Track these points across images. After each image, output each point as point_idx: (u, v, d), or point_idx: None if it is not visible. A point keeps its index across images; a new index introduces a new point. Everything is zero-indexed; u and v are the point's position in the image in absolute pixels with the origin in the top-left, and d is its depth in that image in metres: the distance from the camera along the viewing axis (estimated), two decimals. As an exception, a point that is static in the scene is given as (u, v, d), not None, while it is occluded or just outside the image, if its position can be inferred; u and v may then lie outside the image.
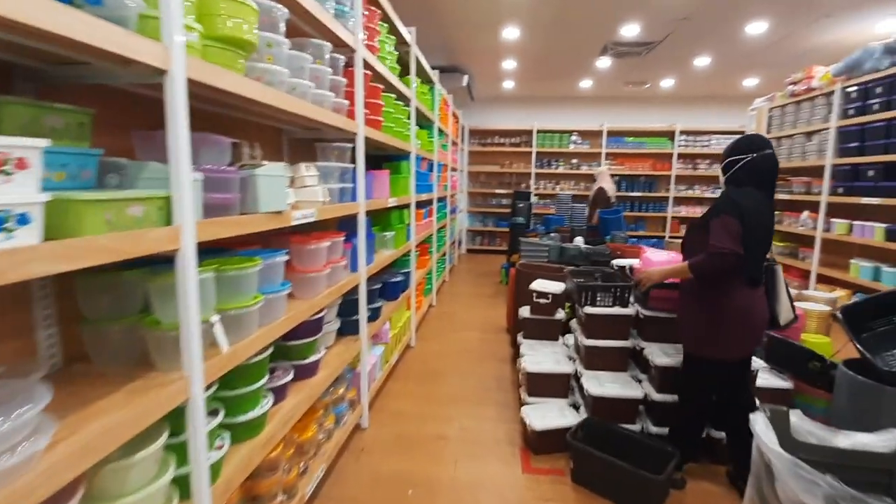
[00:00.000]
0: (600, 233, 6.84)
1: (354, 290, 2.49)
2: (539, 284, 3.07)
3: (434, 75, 4.84)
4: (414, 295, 3.99)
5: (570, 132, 9.10)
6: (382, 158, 3.68)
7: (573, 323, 2.89)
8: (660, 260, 2.42)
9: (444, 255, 6.44)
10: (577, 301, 2.61)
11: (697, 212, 8.88)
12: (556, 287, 3.06)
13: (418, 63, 4.03)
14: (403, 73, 3.70)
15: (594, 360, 2.53)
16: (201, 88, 1.24)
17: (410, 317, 3.93)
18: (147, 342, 1.19)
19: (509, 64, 6.75)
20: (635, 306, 2.53)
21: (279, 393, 1.79)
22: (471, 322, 4.73)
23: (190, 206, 1.09)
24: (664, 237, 8.89)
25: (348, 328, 2.58)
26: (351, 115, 2.35)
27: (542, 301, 3.01)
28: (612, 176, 7.20)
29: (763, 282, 2.03)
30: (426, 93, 4.54)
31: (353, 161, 2.41)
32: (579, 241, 5.47)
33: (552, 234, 5.68)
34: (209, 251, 1.58)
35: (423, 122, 4.78)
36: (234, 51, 1.36)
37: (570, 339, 3.08)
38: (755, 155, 1.97)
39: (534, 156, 9.19)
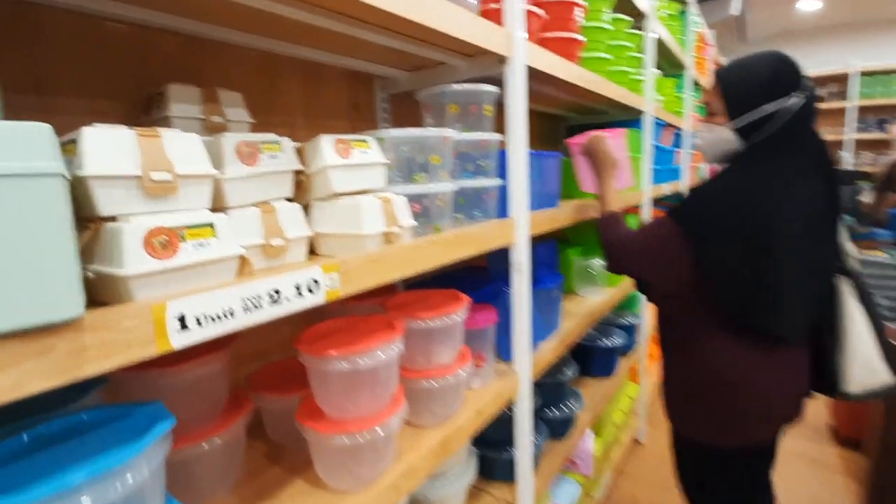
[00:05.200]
0: None
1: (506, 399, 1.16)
2: None
3: (688, -10, 2.99)
4: (645, 354, 2.37)
5: (931, 66, 5.51)
6: (588, 130, 2.18)
7: None
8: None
9: (694, 269, 4.40)
10: None
11: None
12: None
13: (662, -41, 2.34)
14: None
15: None
16: None
17: (638, 394, 2.34)
18: None
19: (822, -38, 4.15)
20: None
21: None
22: (748, 397, 2.78)
23: None
24: None
25: (497, 470, 1.28)
26: (493, 16, 1.00)
27: None
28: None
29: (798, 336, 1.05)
30: (675, 16, 2.77)
31: (501, 127, 1.06)
32: None
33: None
34: None
35: (668, 67, 3.02)
36: None
37: None
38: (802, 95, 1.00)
39: (851, 113, 5.93)
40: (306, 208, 0.76)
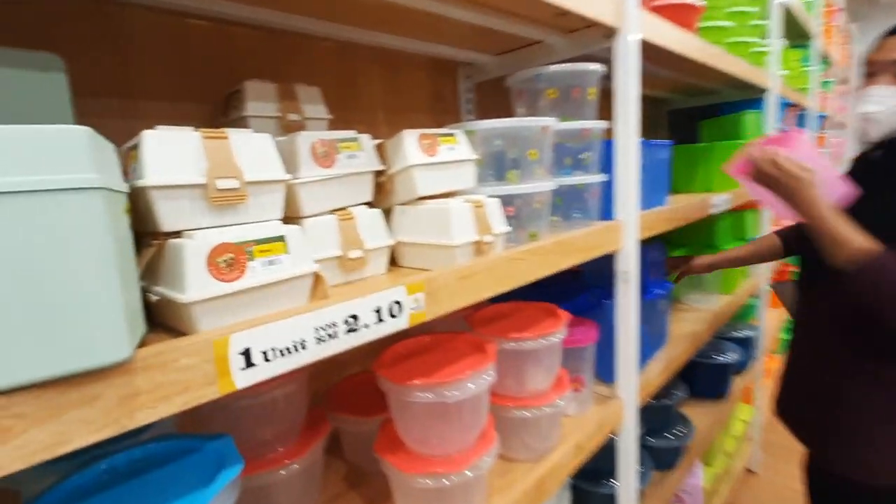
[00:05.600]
0: None
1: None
2: None
3: (818, -57, 2.54)
4: (762, 372, 2.06)
5: None
6: (695, 114, 1.92)
7: None
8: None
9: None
10: None
11: None
12: None
13: None
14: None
15: None
16: None
17: (752, 417, 2.04)
18: None
19: None
20: None
21: None
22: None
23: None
24: None
25: (594, 504, 1.13)
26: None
27: None
28: None
29: None
30: (801, -24, 2.36)
31: (608, 114, 0.90)
32: None
33: None
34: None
35: (789, 36, 2.60)
36: None
37: None
38: None
39: None
40: (387, 213, 0.67)
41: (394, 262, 0.67)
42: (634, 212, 0.92)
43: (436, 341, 0.75)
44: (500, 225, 0.67)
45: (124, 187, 0.39)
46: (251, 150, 0.48)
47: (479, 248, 0.63)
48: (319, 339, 0.45)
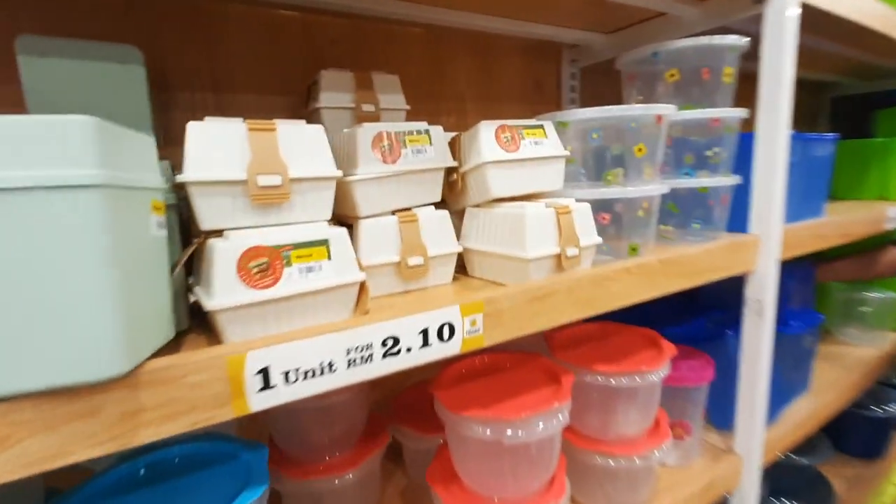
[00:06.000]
0: None
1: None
2: None
3: None
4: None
5: None
6: (868, 101, 1.53)
7: None
8: None
9: None
10: None
11: None
12: None
13: None
14: None
15: None
16: None
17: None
18: None
19: None
20: None
21: None
22: None
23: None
24: None
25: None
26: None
27: None
28: None
29: None
30: None
31: (746, 102, 0.72)
32: None
33: None
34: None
35: None
36: None
37: None
38: None
39: None
40: (460, 216, 0.60)
41: (465, 270, 0.59)
42: (777, 225, 0.72)
43: (505, 362, 0.66)
44: (589, 235, 0.56)
45: (154, 182, 0.36)
46: (299, 143, 0.43)
47: (559, 262, 0.53)
48: (351, 362, 0.39)
